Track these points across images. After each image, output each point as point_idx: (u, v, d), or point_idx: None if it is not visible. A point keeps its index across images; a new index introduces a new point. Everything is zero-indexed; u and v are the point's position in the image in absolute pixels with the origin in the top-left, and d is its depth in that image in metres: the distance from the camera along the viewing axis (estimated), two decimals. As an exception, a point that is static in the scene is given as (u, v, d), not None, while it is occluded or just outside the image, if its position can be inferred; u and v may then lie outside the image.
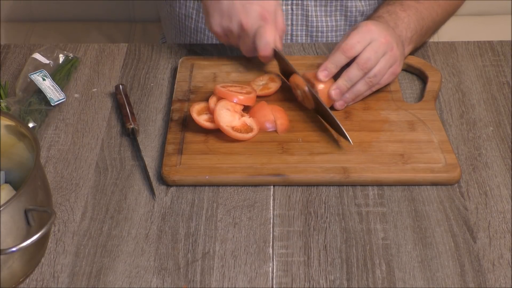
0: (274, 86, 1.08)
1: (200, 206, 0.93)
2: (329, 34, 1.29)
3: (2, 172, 0.90)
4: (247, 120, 1.01)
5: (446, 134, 1.00)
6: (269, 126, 1.02)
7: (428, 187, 0.95)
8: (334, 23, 1.28)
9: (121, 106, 1.07)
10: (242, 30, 1.07)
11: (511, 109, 1.07)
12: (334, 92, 1.02)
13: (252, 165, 0.96)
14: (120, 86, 1.10)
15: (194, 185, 0.95)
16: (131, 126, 1.03)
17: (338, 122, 0.98)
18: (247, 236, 0.90)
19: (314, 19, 1.28)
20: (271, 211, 0.93)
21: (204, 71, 1.13)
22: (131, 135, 1.03)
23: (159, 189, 0.96)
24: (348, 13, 1.28)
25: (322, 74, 1.02)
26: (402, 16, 1.10)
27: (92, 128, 1.06)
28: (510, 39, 1.23)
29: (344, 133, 0.98)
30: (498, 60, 1.16)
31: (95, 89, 1.13)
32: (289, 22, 1.28)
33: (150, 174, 0.97)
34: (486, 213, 0.92)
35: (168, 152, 0.98)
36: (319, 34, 1.29)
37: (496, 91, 1.10)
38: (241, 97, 1.02)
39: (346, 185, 0.95)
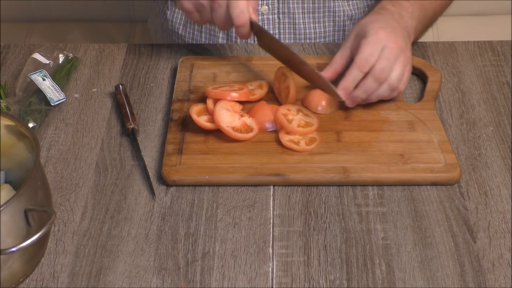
0: (259, 93, 1.07)
1: (200, 206, 0.93)
2: (317, 40, 1.29)
3: (2, 172, 0.90)
4: (247, 120, 1.01)
5: (446, 134, 1.00)
6: (269, 126, 1.02)
7: (428, 187, 0.95)
8: (322, 29, 1.29)
9: (121, 106, 1.07)
10: (213, 1, 1.04)
11: (511, 109, 1.07)
12: (349, 102, 1.03)
13: (252, 165, 0.96)
14: (120, 86, 1.10)
15: (194, 185, 0.95)
16: (131, 126, 1.03)
17: (327, 82, 1.00)
18: (247, 236, 0.90)
19: (302, 26, 1.28)
20: (271, 211, 0.93)
21: (204, 71, 1.13)
22: (131, 135, 1.03)
23: (159, 189, 0.96)
24: (336, 18, 1.28)
25: (341, 94, 1.02)
26: (406, 5, 1.10)
27: (92, 128, 1.06)
28: (510, 39, 1.23)
29: (333, 90, 1.00)
30: (498, 60, 1.16)
31: (95, 89, 1.13)
32: (277, 31, 1.28)
33: (150, 174, 0.97)
34: (486, 213, 0.92)
35: (168, 152, 0.98)
36: (307, 41, 1.29)
37: (496, 91, 1.10)
38: (234, 94, 1.02)
39: (346, 185, 0.95)
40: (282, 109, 1.02)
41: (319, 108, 1.04)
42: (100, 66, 1.18)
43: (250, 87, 1.08)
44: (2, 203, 0.77)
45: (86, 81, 1.14)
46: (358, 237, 0.89)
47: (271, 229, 0.91)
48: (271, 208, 0.93)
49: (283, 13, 1.26)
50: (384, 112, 1.04)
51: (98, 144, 1.03)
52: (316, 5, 1.26)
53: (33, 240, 0.76)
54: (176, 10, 1.31)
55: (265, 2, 1.25)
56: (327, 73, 1.04)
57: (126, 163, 1.00)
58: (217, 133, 1.00)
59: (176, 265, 0.87)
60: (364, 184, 0.95)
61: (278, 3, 1.26)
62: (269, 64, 1.14)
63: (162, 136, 1.04)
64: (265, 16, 1.26)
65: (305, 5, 1.26)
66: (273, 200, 0.94)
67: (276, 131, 1.01)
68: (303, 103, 1.06)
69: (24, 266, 0.83)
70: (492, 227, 0.90)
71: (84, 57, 1.19)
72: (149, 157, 1.00)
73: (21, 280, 0.85)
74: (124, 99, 1.08)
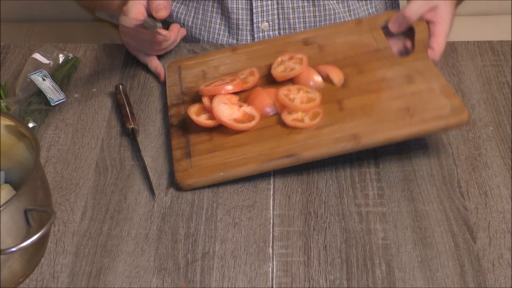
0: (251, 80, 1.06)
1: (200, 206, 0.93)
2: None
3: (2, 172, 0.90)
4: (247, 109, 1.00)
5: (445, 79, 0.99)
6: (269, 110, 1.01)
7: (428, 186, 0.95)
8: None
9: (121, 106, 1.07)
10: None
11: (511, 109, 1.07)
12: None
13: (262, 152, 0.95)
14: (120, 86, 1.10)
15: (211, 185, 0.95)
16: (131, 126, 1.03)
17: None
18: (247, 236, 0.90)
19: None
20: (271, 211, 0.93)
21: (192, 70, 1.12)
22: (131, 135, 1.03)
23: (159, 189, 0.96)
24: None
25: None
26: None
27: (92, 128, 1.06)
28: (510, 39, 1.23)
29: None
30: (498, 60, 1.16)
31: (95, 89, 1.13)
32: None
33: (150, 174, 0.97)
34: (486, 213, 0.92)
35: (176, 158, 0.97)
36: None
37: (496, 91, 1.10)
38: (229, 87, 1.02)
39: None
40: (283, 90, 1.01)
41: (311, 83, 1.03)
42: (100, 66, 1.18)
43: (242, 76, 1.07)
44: (2, 203, 0.77)
45: (86, 81, 1.14)
46: (358, 237, 0.89)
47: (271, 229, 0.91)
48: (271, 208, 0.93)
49: (284, 29, 1.27)
50: (379, 71, 1.03)
51: (98, 144, 1.03)
52: (318, 18, 1.26)
53: (33, 240, 0.76)
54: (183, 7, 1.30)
55: (265, 19, 1.25)
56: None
57: (126, 163, 1.00)
58: (220, 128, 0.99)
59: (176, 265, 0.87)
60: (376, 146, 0.94)
61: (278, 20, 1.26)
62: (255, 50, 1.13)
63: (162, 136, 1.04)
64: (265, 33, 1.26)
65: (306, 19, 1.26)
66: (273, 200, 0.94)
67: (277, 114, 1.00)
68: (294, 82, 1.04)
69: (24, 266, 0.83)
70: (492, 227, 0.90)
71: (84, 57, 1.19)
72: (149, 157, 1.00)
73: (21, 280, 0.85)
74: (124, 99, 1.08)
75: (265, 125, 0.99)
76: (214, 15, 1.27)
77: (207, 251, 0.88)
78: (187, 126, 1.02)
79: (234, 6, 1.24)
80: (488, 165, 0.98)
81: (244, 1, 1.24)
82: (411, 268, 0.86)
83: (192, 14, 1.29)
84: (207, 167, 0.95)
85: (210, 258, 0.87)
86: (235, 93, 1.03)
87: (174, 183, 0.96)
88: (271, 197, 0.94)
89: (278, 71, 1.06)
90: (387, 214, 0.92)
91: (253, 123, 0.99)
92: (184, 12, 1.29)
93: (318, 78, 1.04)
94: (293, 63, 1.06)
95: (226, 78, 1.06)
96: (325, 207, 0.93)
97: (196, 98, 1.06)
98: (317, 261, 0.87)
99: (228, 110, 0.99)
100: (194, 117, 1.00)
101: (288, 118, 0.98)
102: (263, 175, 0.97)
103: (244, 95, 1.03)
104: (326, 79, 1.04)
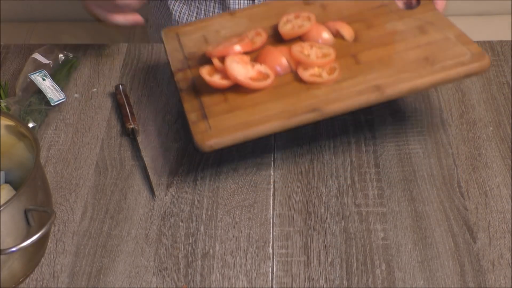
0: (260, 40, 1.03)
1: (200, 206, 0.93)
2: None
3: (2, 172, 0.90)
4: (261, 67, 0.98)
5: (458, 28, 0.97)
6: (283, 68, 0.98)
7: (428, 186, 0.95)
8: None
9: (121, 106, 1.07)
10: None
11: (511, 109, 1.07)
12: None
13: (284, 108, 0.91)
14: (120, 86, 1.10)
15: (232, 145, 0.92)
16: (131, 126, 1.03)
17: None
18: (247, 236, 0.90)
19: None
20: (271, 211, 0.93)
21: (192, 36, 1.09)
22: (131, 135, 1.03)
23: (159, 189, 0.96)
24: None
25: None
26: None
27: (92, 128, 1.06)
28: (510, 39, 1.23)
29: None
30: (498, 60, 1.16)
31: (95, 89, 1.13)
32: None
33: (150, 174, 0.97)
34: (486, 213, 0.92)
35: (192, 120, 0.93)
36: None
37: (496, 91, 1.10)
38: (237, 47, 0.99)
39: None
40: (296, 47, 0.99)
41: (321, 41, 1.01)
42: (100, 66, 1.18)
43: (249, 37, 1.05)
44: (2, 203, 0.77)
45: (86, 81, 1.15)
46: (358, 237, 0.89)
47: (271, 229, 0.91)
48: (271, 208, 0.93)
49: None
50: (389, 25, 1.01)
51: (98, 144, 1.03)
52: None
53: (33, 240, 0.76)
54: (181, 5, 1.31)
55: None
56: None
57: (126, 163, 1.00)
58: (234, 88, 0.96)
59: (176, 265, 0.87)
60: (400, 96, 0.92)
61: None
62: (255, 12, 1.11)
63: (162, 136, 1.04)
64: None
65: None
66: (273, 200, 0.94)
67: (291, 72, 0.98)
68: (303, 39, 1.02)
69: (24, 266, 0.84)
70: (492, 227, 0.90)
71: (84, 57, 1.19)
72: (149, 157, 1.00)
73: (21, 280, 0.85)
74: (124, 99, 1.08)
75: (281, 82, 0.96)
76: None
77: (207, 251, 0.88)
78: (198, 89, 0.98)
79: (236, 7, 1.24)
80: (488, 165, 0.98)
81: (246, 2, 1.24)
82: (411, 268, 0.86)
83: (194, 15, 1.29)
84: (228, 127, 0.91)
85: (210, 258, 0.87)
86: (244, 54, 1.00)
87: (175, 184, 0.96)
88: (271, 197, 0.94)
89: (286, 29, 1.03)
90: (387, 214, 0.92)
91: (269, 80, 0.96)
92: (187, 12, 1.30)
93: (328, 35, 1.02)
94: (301, 21, 1.04)
95: (234, 39, 1.02)
96: (325, 207, 0.93)
97: (202, 61, 1.02)
98: (317, 261, 0.87)
99: (242, 69, 0.96)
100: (207, 77, 0.96)
101: (305, 74, 0.96)
102: (263, 175, 0.97)
103: (253, 55, 1.00)
104: (336, 35, 1.02)
